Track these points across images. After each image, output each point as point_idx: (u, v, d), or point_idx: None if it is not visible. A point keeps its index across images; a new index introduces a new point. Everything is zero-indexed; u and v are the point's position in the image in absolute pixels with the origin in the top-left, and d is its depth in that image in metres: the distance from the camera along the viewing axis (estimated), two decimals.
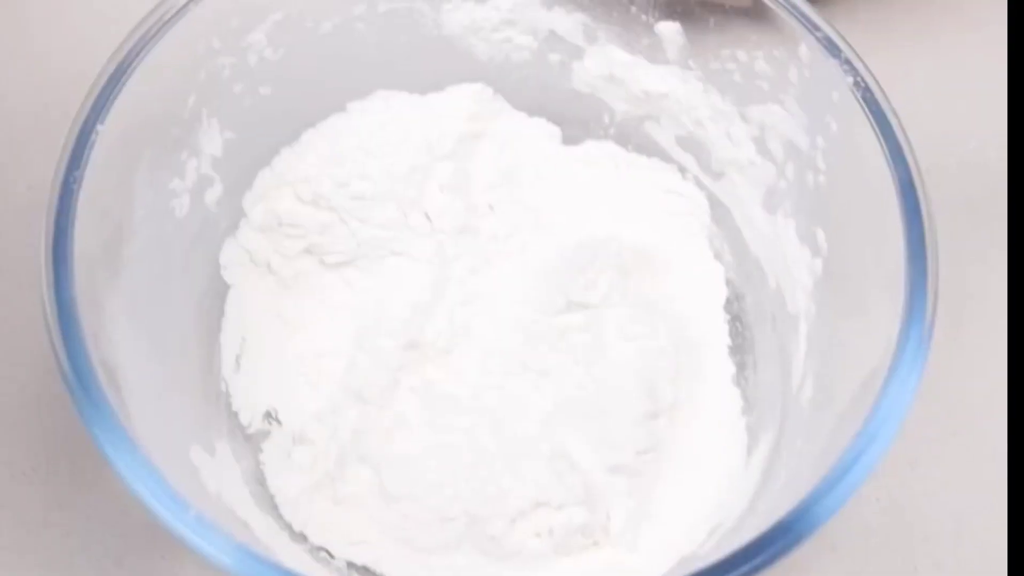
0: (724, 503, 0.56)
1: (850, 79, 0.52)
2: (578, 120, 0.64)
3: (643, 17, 0.60)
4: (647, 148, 0.64)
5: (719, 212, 0.62)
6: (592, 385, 0.58)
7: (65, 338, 0.47)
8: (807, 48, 0.54)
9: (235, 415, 0.59)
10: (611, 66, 0.62)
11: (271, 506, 0.57)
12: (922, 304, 0.47)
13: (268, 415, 0.59)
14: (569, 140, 0.65)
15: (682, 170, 0.63)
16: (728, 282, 0.62)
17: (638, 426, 0.57)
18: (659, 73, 0.61)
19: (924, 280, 0.48)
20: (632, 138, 0.64)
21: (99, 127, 0.51)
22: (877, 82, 0.52)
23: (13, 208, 0.66)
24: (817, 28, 0.53)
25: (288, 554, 0.55)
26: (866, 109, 0.51)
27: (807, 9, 0.54)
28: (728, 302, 0.62)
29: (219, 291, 0.61)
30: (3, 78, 0.71)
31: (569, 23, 0.62)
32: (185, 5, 0.54)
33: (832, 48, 0.53)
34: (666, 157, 0.64)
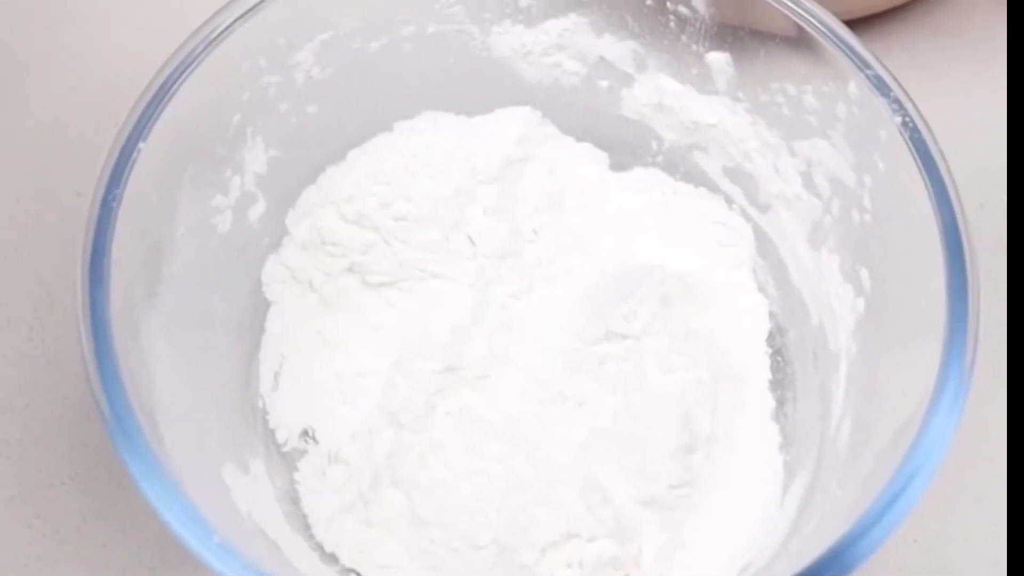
0: (757, 541, 0.55)
1: (898, 119, 0.51)
2: (626, 147, 0.64)
3: (693, 47, 0.59)
4: (694, 177, 0.64)
5: (764, 245, 0.62)
6: (629, 416, 0.57)
7: (98, 357, 0.47)
8: (856, 85, 0.53)
9: (272, 433, 0.59)
10: (660, 94, 0.62)
11: (303, 526, 0.57)
12: (962, 347, 0.47)
13: (305, 433, 0.59)
14: (617, 166, 0.64)
15: (729, 201, 0.63)
16: (771, 316, 0.62)
17: (674, 459, 0.56)
18: (708, 103, 0.61)
19: (965, 323, 0.47)
20: (680, 167, 0.64)
21: (141, 144, 0.51)
22: (926, 122, 0.51)
23: (60, 223, 0.66)
24: (867, 66, 0.53)
25: None
26: (913, 150, 0.51)
27: (858, 46, 0.53)
28: (771, 336, 0.61)
29: (260, 308, 0.61)
30: (55, 93, 0.72)
31: (619, 50, 0.61)
32: (231, 24, 0.54)
33: (881, 86, 0.52)
34: (713, 187, 0.63)
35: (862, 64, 0.53)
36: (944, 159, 0.50)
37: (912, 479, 0.45)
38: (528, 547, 0.55)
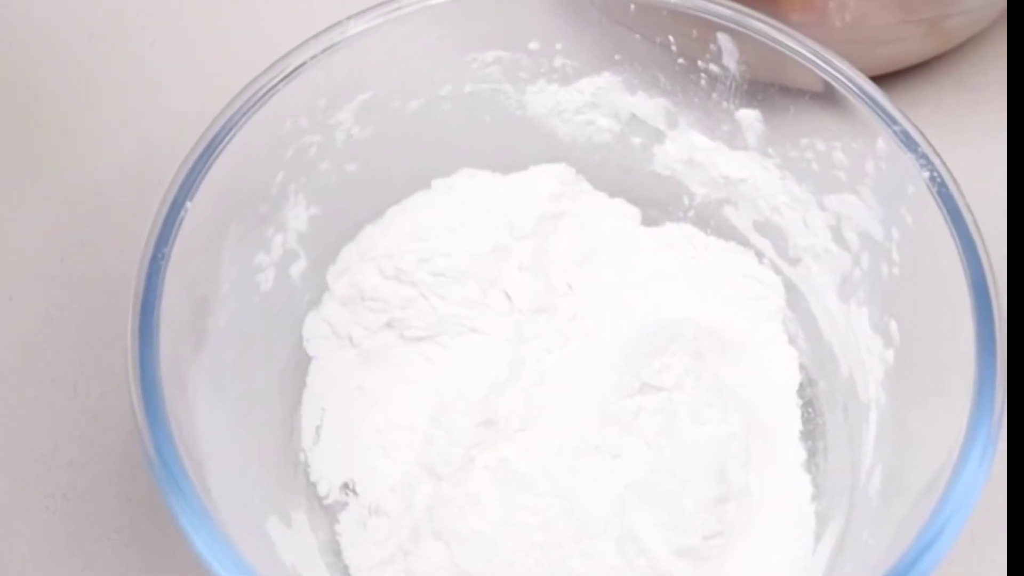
0: None
1: (926, 174, 0.53)
2: (658, 202, 0.65)
3: (724, 104, 0.60)
4: (725, 232, 0.65)
5: (794, 297, 0.63)
6: (663, 468, 0.58)
7: (148, 412, 0.48)
8: (884, 141, 0.55)
9: (313, 486, 0.60)
10: (692, 150, 0.63)
11: None
12: (991, 399, 0.47)
13: (346, 486, 0.60)
14: (649, 221, 0.65)
15: (759, 255, 0.64)
16: (801, 367, 0.62)
17: (707, 510, 0.57)
18: (738, 159, 0.62)
19: (994, 375, 0.48)
20: (711, 221, 0.65)
21: (188, 203, 0.52)
22: (953, 177, 0.52)
23: (104, 282, 0.68)
24: (895, 122, 0.54)
25: None
26: (941, 204, 0.52)
27: (885, 102, 0.55)
28: (801, 387, 0.62)
29: (301, 363, 0.62)
30: (98, 156, 0.73)
31: (651, 107, 0.63)
32: (274, 85, 0.56)
33: (909, 142, 0.54)
34: (744, 241, 0.64)
35: (890, 120, 0.54)
36: (971, 213, 0.51)
37: (942, 531, 0.45)
38: None
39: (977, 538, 0.60)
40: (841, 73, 0.55)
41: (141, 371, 0.49)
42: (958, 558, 0.60)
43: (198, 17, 0.79)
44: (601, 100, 0.63)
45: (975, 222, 0.51)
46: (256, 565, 0.46)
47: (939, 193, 0.52)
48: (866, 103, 0.55)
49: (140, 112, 0.75)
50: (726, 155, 0.62)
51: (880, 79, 0.69)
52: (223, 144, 0.54)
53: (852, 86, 0.55)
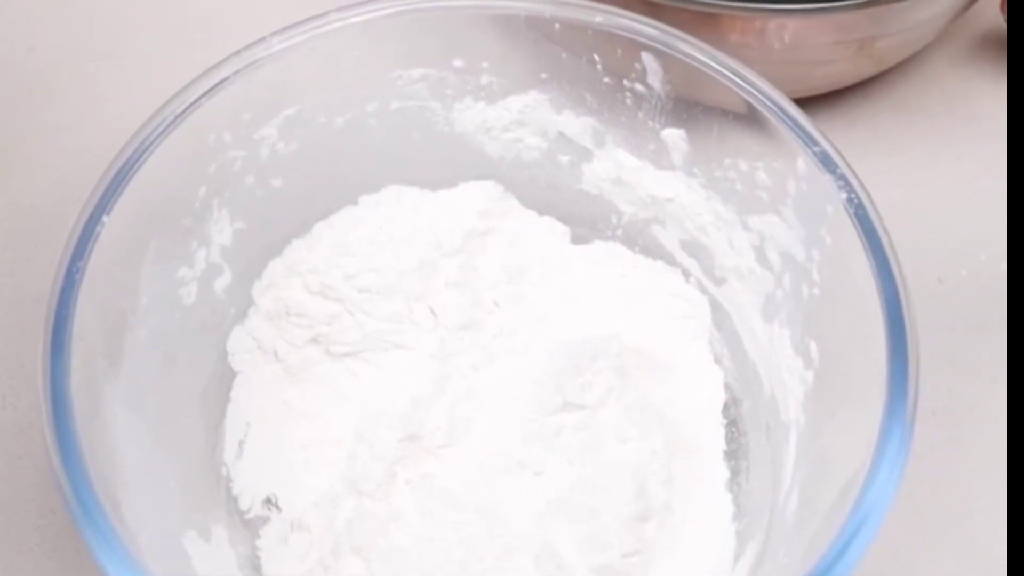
0: None
1: (844, 195, 0.53)
2: (587, 220, 0.65)
3: (650, 123, 0.61)
4: (653, 251, 0.65)
5: (720, 317, 0.63)
6: (584, 485, 0.58)
7: (56, 426, 0.48)
8: (804, 162, 0.55)
9: (235, 500, 0.60)
10: (619, 169, 0.63)
11: None
12: (900, 416, 0.48)
13: (268, 501, 0.60)
14: (577, 239, 0.66)
15: (686, 274, 0.64)
16: (727, 387, 0.62)
17: (627, 528, 0.57)
18: (665, 178, 0.62)
19: (904, 396, 0.48)
20: (639, 240, 0.65)
21: (105, 218, 0.52)
22: (870, 198, 0.53)
23: (37, 295, 0.67)
24: (814, 143, 0.54)
25: None
26: (858, 225, 0.52)
27: (806, 123, 0.55)
28: (726, 407, 0.62)
29: (225, 377, 0.62)
30: (34, 168, 0.73)
31: (578, 126, 0.63)
32: (197, 99, 0.56)
33: (828, 163, 0.54)
34: (671, 260, 0.64)
35: (809, 141, 0.54)
36: (887, 234, 0.51)
37: (850, 543, 0.45)
38: None
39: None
40: (762, 93, 0.55)
41: (51, 387, 0.49)
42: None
43: (137, 32, 0.80)
44: (528, 118, 0.63)
45: (891, 243, 0.51)
46: None
47: (856, 214, 0.52)
48: (786, 124, 0.55)
49: (78, 127, 0.75)
50: (652, 174, 0.62)
51: (819, 99, 0.70)
52: (142, 159, 0.54)
53: (772, 106, 0.55)
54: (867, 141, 0.74)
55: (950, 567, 0.61)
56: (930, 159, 0.73)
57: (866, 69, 0.72)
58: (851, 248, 0.52)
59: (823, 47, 0.68)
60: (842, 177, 0.53)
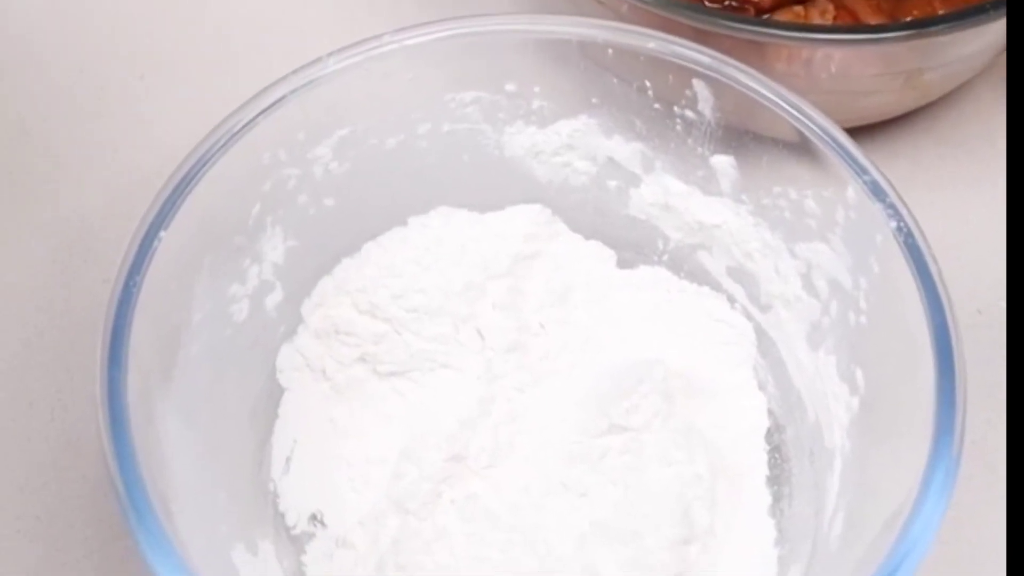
0: None
1: (894, 223, 0.53)
2: (633, 245, 0.66)
3: (699, 149, 0.61)
4: (698, 276, 0.65)
5: (765, 343, 0.63)
6: (627, 508, 0.58)
7: (114, 436, 0.48)
8: (853, 191, 0.55)
9: (281, 516, 0.60)
10: (667, 195, 0.63)
11: None
12: (948, 445, 0.48)
13: (314, 517, 0.60)
14: (623, 264, 0.66)
15: (731, 300, 0.64)
16: (770, 413, 0.63)
17: (670, 551, 0.57)
18: (712, 204, 0.62)
19: (952, 419, 0.48)
20: (684, 265, 0.65)
21: (162, 233, 0.53)
22: (919, 228, 0.53)
23: (87, 309, 0.68)
24: (865, 171, 0.54)
25: None
26: (907, 254, 0.52)
27: (856, 152, 0.55)
28: (769, 432, 0.62)
29: (274, 394, 0.62)
30: (85, 184, 0.74)
31: (627, 151, 0.63)
32: (254, 118, 0.57)
33: (878, 192, 0.54)
34: (716, 286, 0.65)
35: (860, 170, 0.55)
36: (936, 263, 0.52)
37: (897, 569, 0.46)
38: None
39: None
40: (813, 122, 0.56)
41: (109, 398, 0.49)
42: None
43: (187, 51, 0.80)
44: (578, 142, 0.64)
45: (940, 273, 0.52)
46: None
47: (905, 243, 0.53)
48: (837, 152, 0.55)
49: (128, 144, 0.76)
50: (700, 200, 0.63)
51: (861, 131, 0.70)
52: (199, 175, 0.55)
53: (824, 135, 0.56)
54: (909, 172, 0.74)
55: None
56: (970, 192, 0.74)
57: (911, 101, 0.73)
58: (900, 276, 0.52)
59: (869, 78, 0.68)
60: (891, 206, 0.54)
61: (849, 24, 0.68)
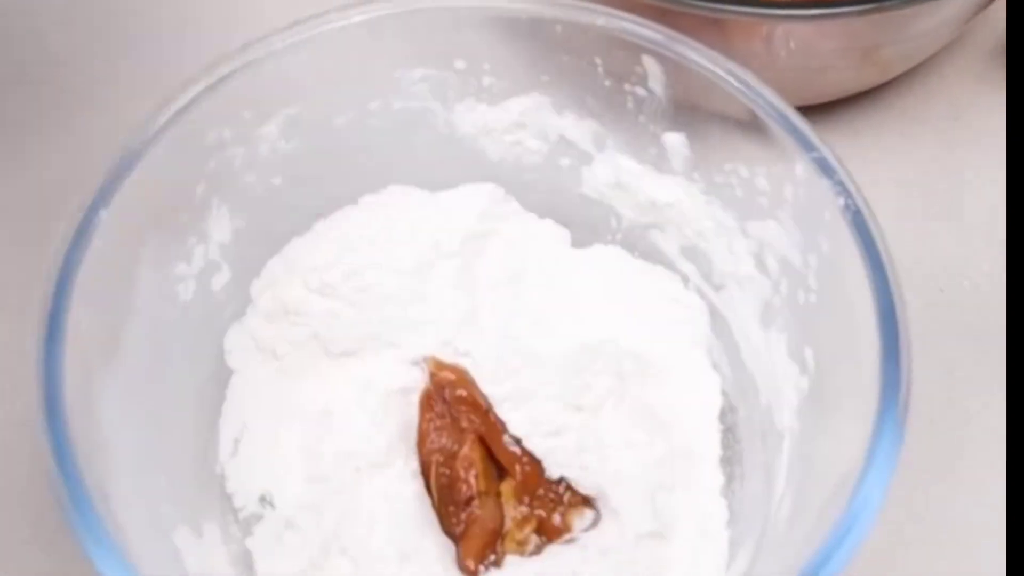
0: None
1: (841, 200, 0.52)
2: (587, 224, 0.65)
3: (651, 127, 0.60)
4: (652, 255, 0.64)
5: (719, 323, 0.63)
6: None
7: (48, 419, 0.48)
8: (802, 167, 0.54)
9: (229, 498, 0.60)
10: (619, 173, 0.63)
11: None
12: (892, 423, 0.47)
13: (263, 498, 0.60)
14: (577, 243, 0.65)
15: (685, 279, 0.64)
16: (723, 393, 0.62)
17: (638, 548, 0.57)
18: (665, 183, 0.62)
19: (895, 401, 0.48)
20: (638, 245, 0.65)
21: (103, 212, 0.52)
22: (868, 204, 0.52)
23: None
24: (812, 148, 0.54)
25: None
26: (854, 232, 0.52)
27: (804, 128, 0.54)
28: (722, 413, 0.62)
29: (222, 375, 0.62)
30: (49, 159, 0.74)
31: (579, 129, 0.63)
32: (197, 95, 0.56)
33: (826, 168, 0.53)
34: (670, 265, 0.64)
35: (808, 146, 0.54)
36: (884, 240, 0.51)
37: (843, 540, 0.45)
38: None
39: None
40: (762, 98, 0.55)
41: (44, 379, 0.49)
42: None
43: (138, 27, 0.79)
44: (529, 120, 0.63)
45: (887, 249, 0.51)
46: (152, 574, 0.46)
47: (853, 221, 0.52)
48: (785, 128, 0.55)
49: (83, 122, 0.75)
50: (653, 179, 0.62)
51: (823, 108, 0.70)
52: (142, 153, 0.54)
53: (773, 111, 0.55)
54: (871, 150, 0.73)
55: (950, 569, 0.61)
56: (935, 169, 0.73)
57: (872, 77, 0.72)
58: (847, 254, 0.52)
59: (828, 54, 0.68)
60: (839, 183, 0.53)
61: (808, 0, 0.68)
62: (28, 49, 0.79)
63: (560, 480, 0.59)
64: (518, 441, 0.60)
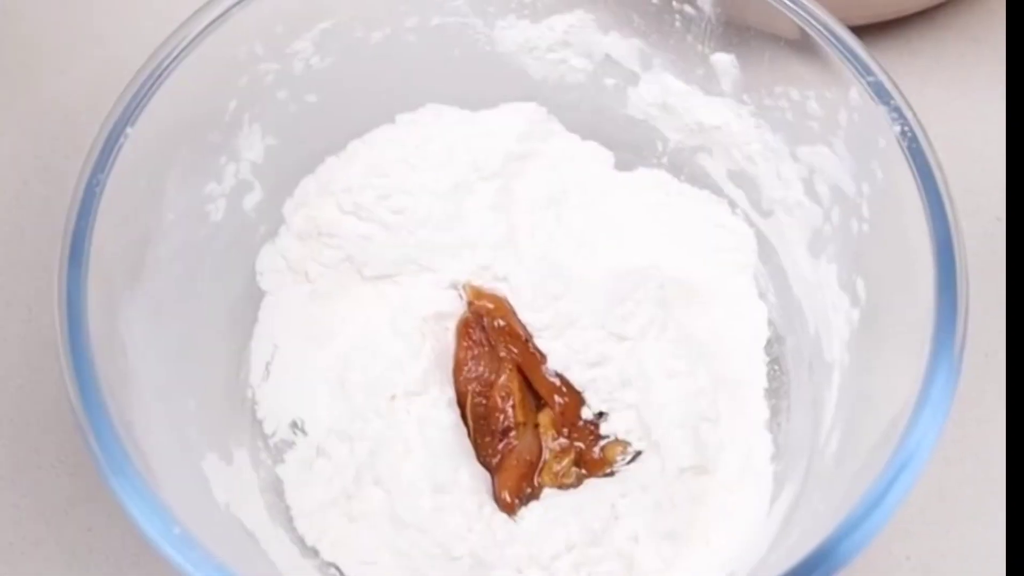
0: (740, 553, 0.54)
1: (897, 128, 0.50)
2: (631, 146, 0.63)
3: (699, 47, 0.58)
4: (699, 179, 0.63)
5: (766, 250, 0.61)
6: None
7: (70, 339, 0.47)
8: (857, 92, 0.52)
9: (259, 423, 0.59)
10: (665, 94, 0.61)
11: (286, 519, 0.56)
12: (948, 357, 0.46)
13: (294, 425, 0.59)
14: (621, 166, 0.63)
15: (732, 205, 0.62)
16: (770, 323, 0.60)
17: (680, 482, 0.56)
18: (713, 105, 0.60)
19: (953, 322, 0.47)
20: (684, 168, 0.63)
21: (129, 130, 0.51)
22: (925, 132, 0.50)
23: (66, 207, 0.66)
24: (868, 72, 0.52)
25: (294, 570, 0.54)
26: (910, 160, 0.50)
27: (861, 51, 0.52)
28: (768, 343, 0.60)
29: (254, 297, 0.60)
30: (67, 77, 0.72)
31: (625, 48, 0.60)
32: (228, 9, 0.54)
33: (882, 94, 0.51)
34: (717, 190, 0.62)
35: (863, 70, 0.52)
36: (941, 169, 0.49)
37: (895, 480, 0.44)
38: (504, 565, 0.54)
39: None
40: (816, 19, 0.53)
41: (67, 299, 0.48)
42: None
43: None
44: (574, 39, 0.61)
45: (944, 179, 0.49)
46: (178, 504, 0.46)
47: (909, 148, 0.50)
48: (840, 51, 0.52)
49: (111, 35, 0.73)
50: (700, 100, 0.60)
51: (882, 27, 0.67)
52: (169, 69, 0.53)
53: (827, 33, 0.53)
54: (930, 70, 0.71)
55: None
56: (996, 92, 0.71)
57: None
58: (903, 183, 0.50)
59: None
60: (896, 109, 0.51)
61: None
62: None
63: (600, 415, 0.58)
64: (558, 374, 0.58)
